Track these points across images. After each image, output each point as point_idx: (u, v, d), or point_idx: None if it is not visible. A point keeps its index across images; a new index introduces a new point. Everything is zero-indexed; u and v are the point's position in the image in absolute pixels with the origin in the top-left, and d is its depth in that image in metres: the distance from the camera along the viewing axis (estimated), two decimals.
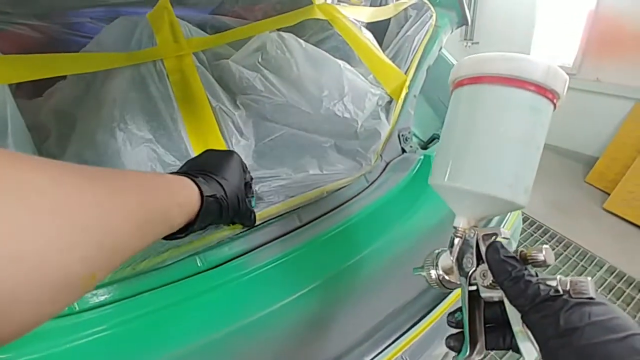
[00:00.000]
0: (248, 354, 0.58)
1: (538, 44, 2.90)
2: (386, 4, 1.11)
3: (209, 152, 0.56)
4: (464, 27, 1.02)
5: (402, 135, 0.83)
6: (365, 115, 0.80)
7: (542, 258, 0.35)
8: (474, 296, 0.38)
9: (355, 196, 0.73)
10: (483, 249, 0.37)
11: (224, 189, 0.48)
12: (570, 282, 0.31)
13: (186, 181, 0.43)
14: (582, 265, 1.98)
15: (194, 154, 0.64)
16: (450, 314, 0.41)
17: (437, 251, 0.43)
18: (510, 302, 0.33)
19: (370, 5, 1.13)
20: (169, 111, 0.68)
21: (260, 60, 0.78)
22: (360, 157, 0.76)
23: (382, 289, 0.73)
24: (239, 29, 0.80)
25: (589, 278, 0.31)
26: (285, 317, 0.60)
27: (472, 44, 3.25)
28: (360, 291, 0.70)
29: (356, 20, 0.94)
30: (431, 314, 0.80)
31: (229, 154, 0.55)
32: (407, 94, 0.84)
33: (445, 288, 0.41)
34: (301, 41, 0.79)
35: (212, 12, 0.90)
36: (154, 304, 0.53)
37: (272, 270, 0.60)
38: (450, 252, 0.40)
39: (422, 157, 0.82)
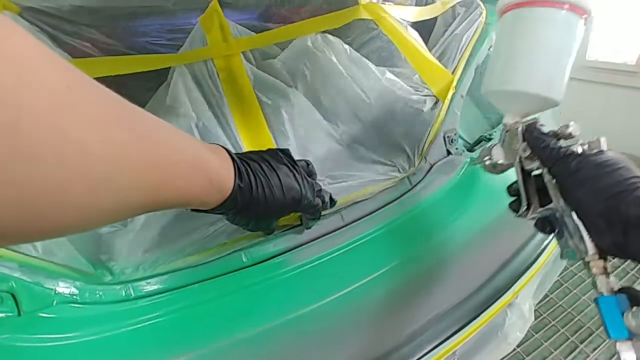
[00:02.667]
0: (289, 351, 0.59)
1: (598, 41, 2.70)
2: (432, 2, 1.08)
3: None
4: None
5: (448, 136, 0.81)
6: (405, 119, 0.79)
7: (569, 131, 0.45)
8: (525, 172, 0.49)
9: (398, 198, 0.72)
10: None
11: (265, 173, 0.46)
12: (588, 142, 0.43)
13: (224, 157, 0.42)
14: None
15: (244, 149, 0.66)
16: (508, 186, 0.52)
17: (487, 145, 0.54)
18: (542, 163, 0.45)
19: (416, 4, 1.11)
20: (220, 108, 0.71)
21: (305, 61, 0.79)
22: (404, 159, 0.75)
23: (425, 292, 0.71)
24: (285, 28, 0.81)
25: (603, 137, 0.42)
26: (326, 315, 0.60)
27: None
28: (402, 294, 0.69)
29: (402, 19, 0.93)
30: (478, 319, 0.78)
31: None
32: (453, 94, 0.82)
33: (496, 171, 0.53)
34: (345, 45, 0.80)
35: (259, 16, 0.92)
36: (202, 295, 0.56)
37: (313, 269, 0.61)
38: (502, 144, 0.52)
39: (468, 159, 0.79)
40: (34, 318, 0.49)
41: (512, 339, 0.86)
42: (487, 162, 0.53)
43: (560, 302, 1.68)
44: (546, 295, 1.68)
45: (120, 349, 0.51)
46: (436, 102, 0.83)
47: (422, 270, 0.70)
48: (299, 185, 0.49)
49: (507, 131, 0.51)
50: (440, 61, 0.86)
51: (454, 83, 0.82)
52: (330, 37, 0.80)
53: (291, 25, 0.81)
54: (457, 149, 0.82)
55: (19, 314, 0.49)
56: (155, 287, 0.55)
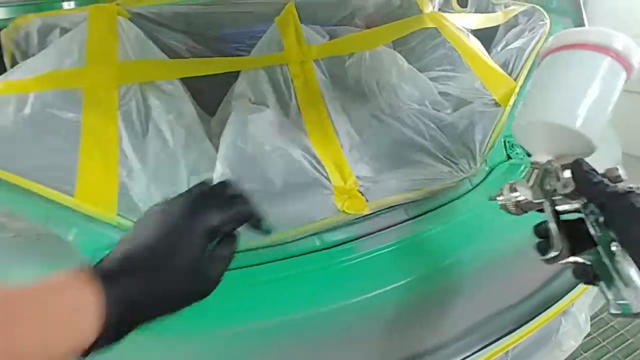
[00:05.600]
0: (347, 331, 0.63)
1: None
2: (493, 10, 1.11)
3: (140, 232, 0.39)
4: None
5: (508, 141, 0.83)
6: (464, 124, 0.83)
7: (617, 174, 0.41)
8: (557, 213, 0.45)
9: (459, 197, 0.75)
10: (565, 173, 0.44)
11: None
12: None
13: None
14: None
15: (316, 153, 0.72)
16: (535, 226, 0.48)
17: (510, 182, 0.50)
18: (589, 200, 0.41)
19: (476, 12, 1.13)
20: (293, 112, 0.77)
21: (370, 70, 0.84)
22: (466, 160, 0.78)
23: (482, 289, 0.73)
24: (355, 36, 0.87)
25: None
26: (387, 302, 0.64)
27: None
28: (461, 289, 0.71)
29: (463, 27, 0.96)
30: (532, 322, 0.79)
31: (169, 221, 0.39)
32: (516, 100, 0.84)
33: (517, 210, 0.50)
34: (403, 60, 0.86)
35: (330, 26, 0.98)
36: (278, 272, 0.62)
37: (379, 257, 0.65)
38: (528, 180, 0.48)
39: (529, 165, 0.81)
40: None
41: (567, 347, 0.86)
42: (508, 200, 0.49)
43: (612, 323, 1.61)
44: (596, 314, 1.62)
45: (200, 313, 0.57)
46: (497, 107, 0.85)
47: (480, 268, 0.72)
48: (207, 265, 0.40)
49: (535, 169, 0.48)
50: (502, 68, 0.88)
51: (517, 89, 0.84)
52: (388, 49, 0.85)
53: (361, 33, 0.87)
54: (517, 153, 0.83)
55: None
56: (237, 262, 0.61)
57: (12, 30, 0.77)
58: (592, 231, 0.41)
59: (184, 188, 0.66)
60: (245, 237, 0.63)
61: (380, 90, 0.82)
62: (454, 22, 0.95)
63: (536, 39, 0.91)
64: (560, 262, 0.43)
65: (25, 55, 0.79)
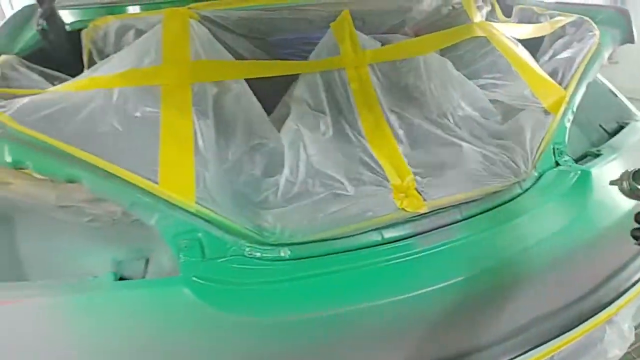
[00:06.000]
0: (403, 324, 0.66)
1: None
2: (537, 21, 1.13)
3: None
4: None
5: (557, 148, 0.85)
6: (515, 130, 0.84)
7: None
8: None
9: (510, 200, 0.77)
10: None
11: None
12: None
13: None
14: None
15: (375, 155, 0.75)
16: (637, 213, 0.51)
17: (632, 169, 0.53)
18: None
19: (519, 22, 1.15)
20: (351, 116, 0.81)
21: (422, 76, 0.87)
22: (516, 165, 0.80)
23: (528, 292, 0.75)
24: (409, 43, 0.91)
25: None
26: (438, 299, 0.67)
27: (611, 63, 2.95)
28: (507, 291, 0.73)
29: (512, 37, 0.99)
30: (576, 329, 0.79)
31: None
32: (566, 108, 0.85)
33: (635, 197, 0.53)
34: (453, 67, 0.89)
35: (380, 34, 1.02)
36: (340, 264, 0.65)
37: (435, 254, 0.68)
38: None
39: (579, 172, 0.82)
40: (213, 264, 0.61)
41: (612, 355, 0.86)
42: (625, 186, 0.53)
43: None
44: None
45: (273, 298, 0.61)
46: (546, 115, 0.87)
47: (529, 271, 0.74)
48: None
49: None
50: (551, 77, 0.90)
51: (567, 98, 0.86)
52: (441, 58, 0.88)
53: (413, 40, 0.91)
54: (565, 160, 0.85)
55: (203, 259, 0.61)
56: (305, 252, 0.65)
57: (91, 30, 0.83)
58: None
59: (252, 178, 0.71)
60: (309, 229, 0.67)
61: (432, 95, 0.85)
62: (503, 31, 0.98)
63: (586, 49, 0.92)
64: None
65: (102, 53, 0.85)
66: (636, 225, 0.51)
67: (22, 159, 0.59)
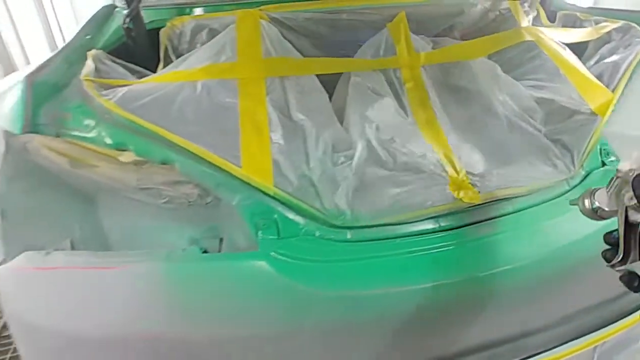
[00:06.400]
0: (451, 307, 0.71)
1: None
2: (581, 26, 1.16)
3: None
4: None
5: (604, 149, 0.88)
6: (563, 130, 0.88)
7: None
8: (629, 223, 0.47)
9: (558, 197, 0.81)
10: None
11: None
12: None
13: None
14: None
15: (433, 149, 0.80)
16: (606, 233, 0.50)
17: (591, 189, 0.52)
18: None
19: (563, 27, 1.19)
20: (404, 115, 0.86)
21: (473, 78, 0.92)
22: (564, 164, 0.84)
23: (576, 284, 0.78)
24: (457, 46, 0.95)
25: None
26: (490, 285, 0.71)
27: None
28: (553, 281, 0.77)
29: (559, 41, 1.02)
30: (616, 324, 0.83)
31: None
32: (613, 110, 0.89)
33: (596, 216, 0.52)
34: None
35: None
36: (400, 248, 0.70)
37: (490, 243, 0.73)
38: (607, 188, 0.50)
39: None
40: (288, 242, 0.67)
41: None
42: (587, 206, 0.52)
43: None
44: None
45: (338, 274, 0.67)
46: (593, 117, 0.90)
47: (573, 265, 0.77)
48: None
49: (618, 177, 0.49)
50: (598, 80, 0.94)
51: (614, 101, 0.89)
52: (489, 62, 0.93)
53: (464, 44, 0.95)
54: (612, 161, 0.88)
55: (278, 237, 0.67)
56: (368, 235, 0.70)
57: (169, 29, 0.91)
58: None
59: (322, 162, 0.77)
60: (374, 215, 0.72)
61: (481, 96, 0.90)
62: (550, 35, 1.02)
63: (633, 54, 0.95)
64: (619, 268, 0.46)
65: (176, 50, 0.93)
66: (606, 247, 0.50)
67: (125, 141, 0.67)
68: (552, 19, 1.22)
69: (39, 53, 2.48)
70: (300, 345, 0.68)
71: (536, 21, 1.15)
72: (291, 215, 0.69)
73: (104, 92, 0.72)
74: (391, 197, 0.73)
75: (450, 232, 0.72)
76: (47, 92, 0.69)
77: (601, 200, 0.50)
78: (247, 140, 0.71)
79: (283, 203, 0.69)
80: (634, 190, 0.45)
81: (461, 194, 0.74)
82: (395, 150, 0.79)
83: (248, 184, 0.68)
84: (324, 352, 0.70)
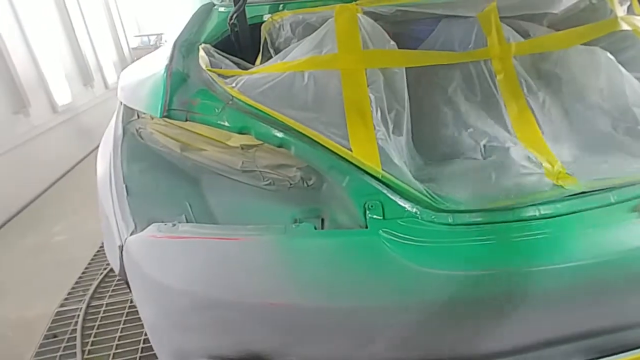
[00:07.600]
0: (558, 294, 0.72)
1: None
2: None
3: None
4: None
5: None
6: None
7: None
8: None
9: None
10: None
11: None
12: None
13: None
14: None
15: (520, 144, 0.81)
16: None
17: None
18: None
19: None
20: (495, 106, 0.88)
21: (567, 68, 0.92)
22: None
23: None
24: (550, 37, 0.95)
25: None
26: (588, 274, 0.72)
27: None
28: None
29: None
30: None
31: None
32: None
33: None
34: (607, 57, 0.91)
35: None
36: (494, 234, 0.72)
37: (589, 233, 0.73)
38: None
39: None
40: (392, 223, 0.72)
41: None
42: None
43: None
44: None
45: (439, 254, 0.71)
46: None
47: None
48: None
49: None
50: None
51: None
52: (596, 49, 0.92)
53: (557, 34, 0.95)
54: None
55: (383, 218, 0.72)
56: (468, 220, 0.73)
57: (269, 24, 0.97)
58: None
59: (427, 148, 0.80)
60: (473, 201, 0.75)
61: (576, 87, 0.89)
62: None
63: None
64: None
65: (274, 43, 0.99)
66: None
67: (247, 125, 0.74)
68: None
69: None
70: (403, 319, 0.72)
71: (630, 11, 1.11)
72: (396, 198, 0.73)
73: (228, 80, 0.79)
74: (488, 185, 0.76)
75: (549, 219, 0.74)
76: (179, 81, 0.78)
77: None
78: (353, 125, 0.76)
79: (389, 186, 0.73)
80: None
81: (561, 181, 0.75)
82: (490, 141, 0.81)
83: (357, 167, 0.73)
84: (423, 328, 0.74)
